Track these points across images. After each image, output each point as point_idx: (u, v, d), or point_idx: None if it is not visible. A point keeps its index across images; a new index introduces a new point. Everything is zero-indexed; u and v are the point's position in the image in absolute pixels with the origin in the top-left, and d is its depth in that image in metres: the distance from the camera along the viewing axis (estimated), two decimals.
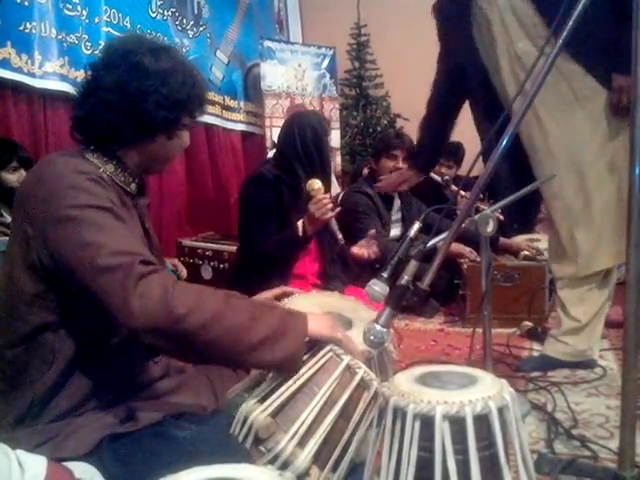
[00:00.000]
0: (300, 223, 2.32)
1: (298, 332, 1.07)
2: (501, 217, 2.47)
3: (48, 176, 1.10)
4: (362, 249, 2.61)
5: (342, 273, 2.71)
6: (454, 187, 3.57)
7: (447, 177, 3.71)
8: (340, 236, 2.26)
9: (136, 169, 1.25)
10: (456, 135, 4.11)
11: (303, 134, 2.54)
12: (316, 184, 2.24)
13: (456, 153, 4.06)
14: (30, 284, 1.09)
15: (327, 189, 2.40)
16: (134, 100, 1.17)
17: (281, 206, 2.50)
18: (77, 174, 1.10)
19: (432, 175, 3.49)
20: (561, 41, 1.16)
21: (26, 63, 2.48)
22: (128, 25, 3.08)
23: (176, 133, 1.26)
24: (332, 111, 4.60)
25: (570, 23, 1.17)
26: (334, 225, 2.26)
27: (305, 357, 1.09)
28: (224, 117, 4.05)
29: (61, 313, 1.10)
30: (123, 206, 1.19)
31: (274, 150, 2.76)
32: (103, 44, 2.87)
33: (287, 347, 1.05)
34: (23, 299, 1.10)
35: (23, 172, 2.39)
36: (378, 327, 1.13)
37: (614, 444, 1.48)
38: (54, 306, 1.10)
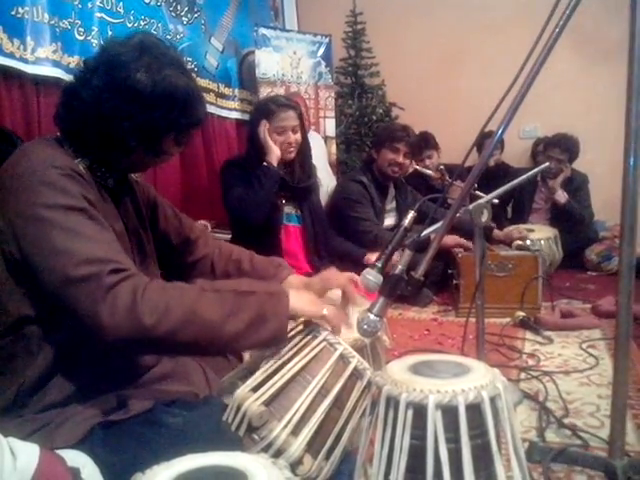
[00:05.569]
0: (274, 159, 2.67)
1: (280, 314, 1.08)
2: None
3: (22, 170, 1.07)
4: None
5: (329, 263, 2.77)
6: (448, 178, 3.52)
7: (442, 167, 3.69)
8: None
9: (115, 165, 1.23)
10: (450, 127, 4.15)
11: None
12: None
13: (427, 140, 4.05)
14: (7, 274, 1.07)
15: None
16: (107, 120, 1.13)
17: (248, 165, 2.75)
18: (51, 169, 1.07)
19: (419, 169, 3.50)
20: (558, 29, 1.15)
21: (18, 48, 2.44)
22: (121, 11, 3.04)
23: (155, 151, 1.22)
24: (327, 99, 4.58)
25: (567, 12, 1.16)
26: None
27: (299, 343, 1.09)
28: (218, 105, 4.02)
29: (43, 305, 1.08)
30: (101, 201, 1.17)
31: None
32: (96, 30, 2.83)
33: (269, 331, 1.06)
34: (3, 289, 1.08)
35: None
36: (372, 316, 1.13)
37: (605, 433, 1.50)
38: (35, 298, 1.08)
